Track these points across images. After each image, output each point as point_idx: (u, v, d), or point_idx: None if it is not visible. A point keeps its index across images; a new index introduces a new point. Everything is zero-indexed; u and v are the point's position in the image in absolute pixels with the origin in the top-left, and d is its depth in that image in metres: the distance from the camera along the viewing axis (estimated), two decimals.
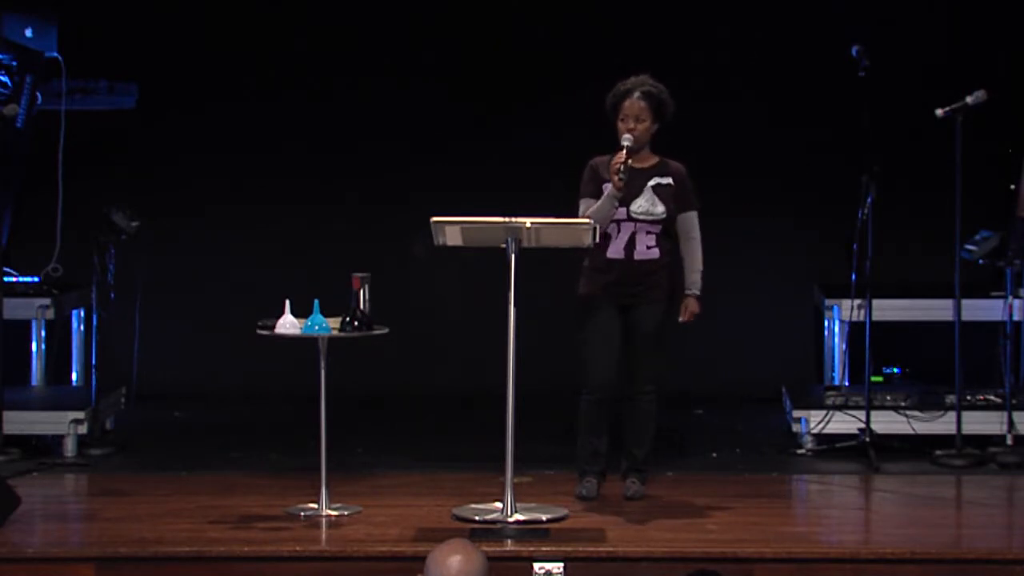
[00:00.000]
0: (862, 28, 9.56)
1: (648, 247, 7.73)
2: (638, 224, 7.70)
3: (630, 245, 7.72)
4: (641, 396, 7.78)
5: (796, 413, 9.11)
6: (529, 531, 7.11)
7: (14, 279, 9.80)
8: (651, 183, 7.73)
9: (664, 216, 7.72)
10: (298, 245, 10.90)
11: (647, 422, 7.82)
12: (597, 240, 7.54)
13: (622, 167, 7.56)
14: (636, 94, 7.73)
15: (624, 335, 7.76)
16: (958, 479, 8.40)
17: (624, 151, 7.62)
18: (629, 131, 7.68)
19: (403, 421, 10.18)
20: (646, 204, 7.72)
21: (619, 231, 7.72)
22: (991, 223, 9.25)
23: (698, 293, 7.82)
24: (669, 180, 7.76)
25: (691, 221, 7.83)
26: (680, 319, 7.80)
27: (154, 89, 10.65)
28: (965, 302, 8.79)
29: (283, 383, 10.08)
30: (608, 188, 7.68)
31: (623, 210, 7.70)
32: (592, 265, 7.82)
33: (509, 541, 6.96)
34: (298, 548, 6.85)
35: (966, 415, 8.69)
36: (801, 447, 9.00)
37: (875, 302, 8.88)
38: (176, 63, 10.84)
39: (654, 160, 7.82)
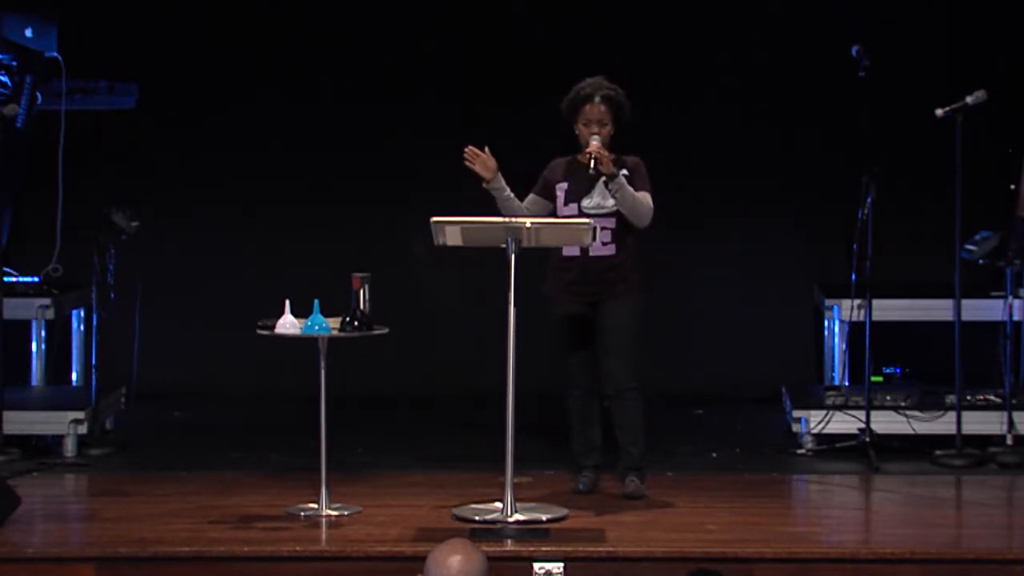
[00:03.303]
0: (862, 28, 9.56)
1: (604, 243, 7.72)
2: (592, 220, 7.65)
3: None
4: (624, 394, 7.76)
5: (796, 413, 9.10)
6: (529, 531, 7.11)
7: (14, 279, 9.79)
8: (603, 179, 7.69)
9: (616, 208, 7.72)
10: (298, 245, 10.89)
11: (635, 420, 7.80)
12: (595, 239, 7.56)
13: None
14: (597, 98, 7.75)
15: (594, 332, 7.77)
16: (958, 479, 8.40)
17: (596, 144, 7.62)
18: (594, 135, 7.69)
19: (403, 421, 10.18)
20: (597, 199, 7.74)
21: None
22: (991, 223, 9.24)
23: (618, 173, 7.63)
24: (623, 171, 7.75)
25: (644, 195, 7.74)
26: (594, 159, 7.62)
27: (154, 89, 10.65)
28: (965, 302, 8.78)
29: (283, 383, 10.08)
30: (558, 188, 7.75)
31: (574, 207, 7.73)
32: (553, 264, 7.86)
33: (509, 541, 6.96)
34: (298, 548, 6.85)
35: (966, 415, 8.68)
36: (801, 447, 9.00)
37: (875, 302, 8.87)
38: (176, 63, 10.83)
39: (611, 158, 7.79)
